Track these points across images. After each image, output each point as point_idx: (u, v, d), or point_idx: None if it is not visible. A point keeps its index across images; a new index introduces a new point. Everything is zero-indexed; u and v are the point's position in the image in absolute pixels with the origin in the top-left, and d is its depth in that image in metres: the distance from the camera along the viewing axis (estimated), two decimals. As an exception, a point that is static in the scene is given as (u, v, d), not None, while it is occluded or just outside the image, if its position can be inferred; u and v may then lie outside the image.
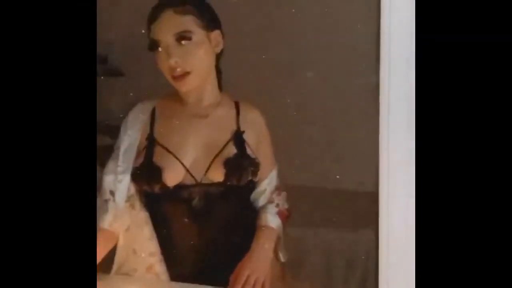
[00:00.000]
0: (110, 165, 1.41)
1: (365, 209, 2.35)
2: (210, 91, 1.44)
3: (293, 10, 3.12)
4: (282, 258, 1.49)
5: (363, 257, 2.40)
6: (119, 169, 1.39)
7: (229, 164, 1.37)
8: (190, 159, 1.39)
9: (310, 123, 3.29)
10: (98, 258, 1.36)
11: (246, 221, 1.44)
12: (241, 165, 1.38)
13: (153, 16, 1.39)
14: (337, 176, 3.13)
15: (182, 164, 1.38)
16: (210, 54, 1.41)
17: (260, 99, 1.56)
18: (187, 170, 1.38)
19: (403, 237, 1.13)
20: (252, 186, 1.45)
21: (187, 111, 1.43)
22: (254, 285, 1.30)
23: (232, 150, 1.39)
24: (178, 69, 1.36)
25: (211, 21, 1.41)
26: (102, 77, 3.65)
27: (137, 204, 1.41)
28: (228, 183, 1.38)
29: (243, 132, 1.42)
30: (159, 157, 1.38)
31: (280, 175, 1.53)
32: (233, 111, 1.45)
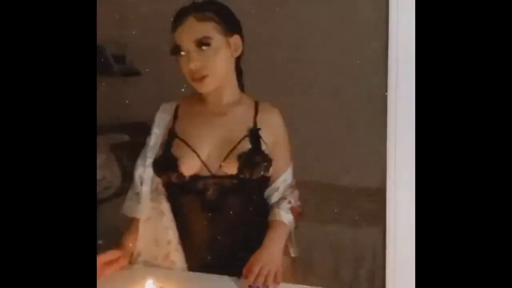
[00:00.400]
0: (140, 161, 1.50)
1: (372, 207, 2.38)
2: (229, 91, 1.50)
3: (300, 11, 3.14)
4: (292, 253, 1.52)
5: (371, 253, 2.43)
6: (147, 163, 1.48)
7: (242, 158, 1.42)
8: (206, 152, 1.45)
9: (319, 123, 3.32)
10: (133, 248, 1.47)
11: (259, 215, 1.49)
12: (254, 159, 1.43)
13: (176, 23, 1.46)
14: (346, 174, 3.16)
15: (198, 155, 1.44)
16: (229, 58, 1.47)
17: (275, 99, 1.58)
18: (203, 162, 1.44)
19: (409, 234, 1.15)
20: (264, 181, 1.50)
21: (207, 109, 1.50)
22: (266, 277, 1.32)
23: (247, 145, 1.45)
24: (197, 73, 1.42)
25: (231, 26, 1.47)
26: (119, 76, 3.70)
27: (159, 195, 1.47)
28: (241, 176, 1.42)
29: (259, 129, 1.47)
30: (176, 148, 1.46)
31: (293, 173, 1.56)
32: (252, 110, 1.51)
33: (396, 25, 1.14)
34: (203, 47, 1.42)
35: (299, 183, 1.59)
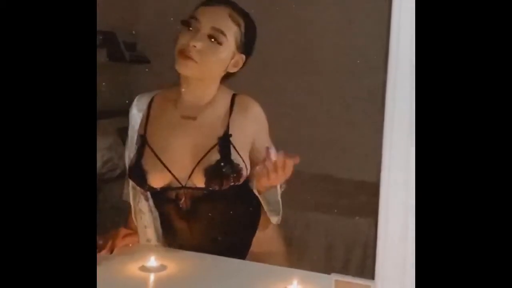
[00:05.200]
0: (126, 152, 1.50)
1: (366, 198, 2.45)
2: (209, 91, 1.45)
3: (294, 6, 3.19)
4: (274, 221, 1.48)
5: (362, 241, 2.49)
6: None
7: (209, 172, 1.38)
8: (176, 163, 1.40)
9: (318, 119, 3.37)
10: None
11: (238, 219, 1.47)
12: (221, 172, 1.37)
13: (209, 1, 1.41)
14: (344, 168, 3.23)
15: (167, 169, 1.40)
16: (223, 67, 1.42)
17: (268, 96, 1.59)
18: (172, 175, 1.40)
19: (400, 225, 1.22)
20: (242, 187, 1.43)
21: (178, 110, 1.45)
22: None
23: (215, 156, 1.38)
24: (190, 51, 1.36)
25: (247, 45, 1.44)
26: (130, 63, 3.76)
27: (138, 193, 1.49)
28: (210, 188, 1.39)
29: (231, 135, 1.41)
30: (147, 159, 1.42)
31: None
32: (226, 108, 1.44)
33: (397, 26, 1.19)
34: (213, 40, 1.37)
35: (299, 174, 1.63)
